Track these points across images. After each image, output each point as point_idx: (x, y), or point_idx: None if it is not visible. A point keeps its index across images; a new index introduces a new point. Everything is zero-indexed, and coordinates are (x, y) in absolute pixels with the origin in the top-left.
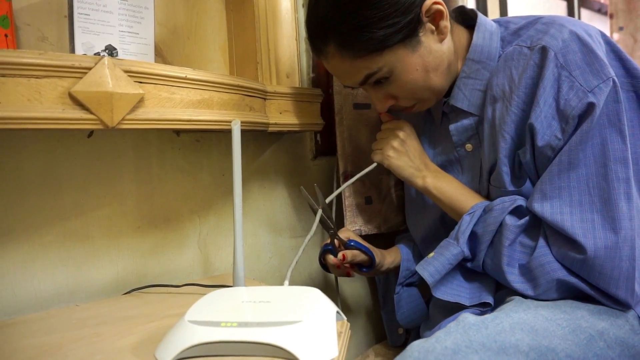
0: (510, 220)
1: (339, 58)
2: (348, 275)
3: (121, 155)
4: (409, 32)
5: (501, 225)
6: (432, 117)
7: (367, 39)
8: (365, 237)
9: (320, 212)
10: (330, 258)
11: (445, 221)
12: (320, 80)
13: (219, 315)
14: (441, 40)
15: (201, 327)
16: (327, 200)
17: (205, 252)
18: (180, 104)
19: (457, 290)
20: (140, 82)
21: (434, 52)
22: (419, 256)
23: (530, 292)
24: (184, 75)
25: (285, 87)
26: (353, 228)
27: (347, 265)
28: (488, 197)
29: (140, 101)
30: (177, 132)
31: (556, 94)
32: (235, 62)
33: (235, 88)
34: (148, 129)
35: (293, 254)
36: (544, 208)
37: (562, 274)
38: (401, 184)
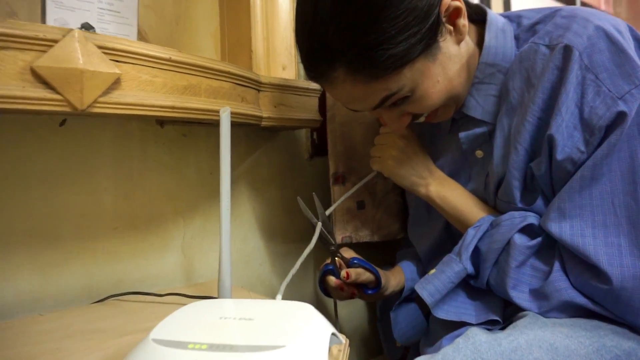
0: (520, 240)
1: (350, 83)
2: (352, 296)
3: (98, 147)
4: (429, 40)
5: (509, 243)
6: (438, 123)
7: (386, 57)
8: (356, 246)
9: (319, 226)
10: (332, 280)
11: (451, 232)
12: None
13: (190, 334)
14: (459, 42)
15: (165, 349)
16: (327, 212)
17: (189, 257)
18: (163, 88)
19: (461, 309)
20: (117, 61)
21: (453, 57)
22: (423, 273)
23: (539, 310)
24: (167, 57)
25: (281, 79)
26: (342, 235)
27: (351, 284)
28: (496, 208)
29: (116, 82)
30: (161, 122)
31: (579, 100)
32: (227, 50)
33: (226, 75)
34: (129, 118)
35: (285, 261)
36: (563, 229)
37: (583, 301)
38: (399, 188)
